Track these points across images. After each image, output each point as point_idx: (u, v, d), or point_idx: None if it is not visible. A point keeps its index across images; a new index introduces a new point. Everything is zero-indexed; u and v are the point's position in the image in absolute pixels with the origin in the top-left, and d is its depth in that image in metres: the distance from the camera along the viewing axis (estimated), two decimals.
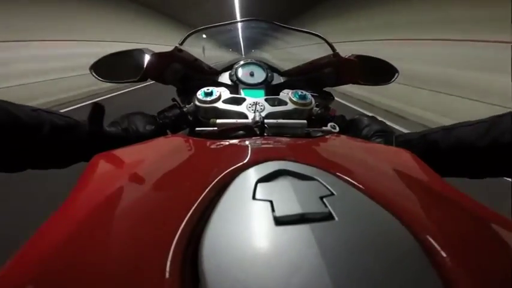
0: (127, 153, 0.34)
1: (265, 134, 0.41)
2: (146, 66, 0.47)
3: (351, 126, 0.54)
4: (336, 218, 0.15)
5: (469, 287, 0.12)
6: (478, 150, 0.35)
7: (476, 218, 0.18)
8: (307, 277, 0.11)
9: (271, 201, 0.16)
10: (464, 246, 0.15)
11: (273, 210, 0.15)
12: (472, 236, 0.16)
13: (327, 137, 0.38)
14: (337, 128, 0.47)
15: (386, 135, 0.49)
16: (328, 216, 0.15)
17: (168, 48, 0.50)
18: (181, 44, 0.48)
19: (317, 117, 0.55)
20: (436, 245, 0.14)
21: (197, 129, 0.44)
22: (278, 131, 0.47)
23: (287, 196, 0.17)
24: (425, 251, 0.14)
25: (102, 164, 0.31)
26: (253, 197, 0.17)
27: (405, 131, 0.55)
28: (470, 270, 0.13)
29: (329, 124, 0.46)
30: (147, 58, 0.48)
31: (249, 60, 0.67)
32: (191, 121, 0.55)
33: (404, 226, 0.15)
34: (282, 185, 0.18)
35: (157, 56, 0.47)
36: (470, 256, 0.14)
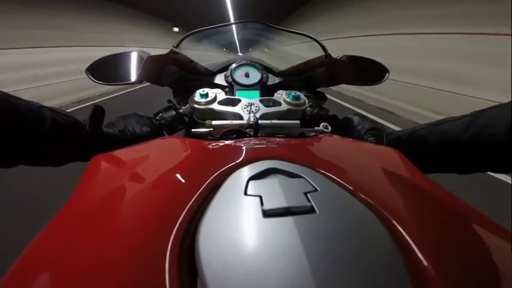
0: (125, 155, 0.35)
1: (259, 135, 0.43)
2: (142, 68, 0.48)
3: (343, 126, 0.55)
4: (317, 212, 0.17)
5: (438, 284, 0.13)
6: (461, 145, 0.35)
7: (455, 214, 0.19)
8: (289, 262, 0.13)
9: (260, 196, 0.18)
10: (439, 242, 0.16)
11: (262, 204, 0.17)
12: (447, 233, 0.17)
13: (319, 136, 0.40)
14: (329, 128, 0.49)
15: (377, 134, 0.50)
16: (310, 210, 0.17)
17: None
18: (177, 46, 0.49)
19: (310, 117, 0.57)
20: (409, 239, 0.15)
21: (193, 130, 0.45)
22: (272, 131, 0.49)
23: (275, 192, 0.18)
24: (398, 244, 0.15)
25: (102, 164, 0.33)
26: (245, 193, 0.19)
27: None
28: (442, 267, 0.14)
29: (321, 124, 0.48)
30: (142, 60, 0.49)
31: (244, 62, 0.68)
32: (187, 122, 0.56)
33: (379, 219, 0.17)
34: (271, 182, 0.20)
35: (153, 59, 0.48)
36: (444, 253, 0.15)
